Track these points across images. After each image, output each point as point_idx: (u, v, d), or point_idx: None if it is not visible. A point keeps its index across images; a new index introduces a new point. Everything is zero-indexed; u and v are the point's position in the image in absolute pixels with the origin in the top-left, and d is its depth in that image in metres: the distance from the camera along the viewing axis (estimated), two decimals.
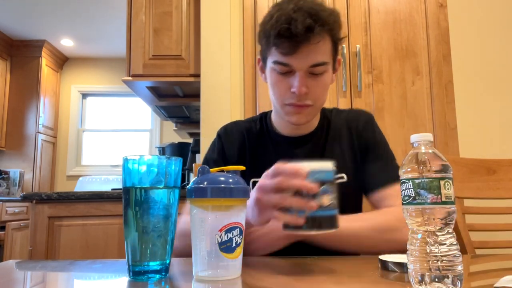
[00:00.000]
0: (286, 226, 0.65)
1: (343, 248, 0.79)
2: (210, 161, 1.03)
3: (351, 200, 0.98)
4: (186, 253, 0.82)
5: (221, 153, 1.03)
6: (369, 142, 1.00)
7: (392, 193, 0.91)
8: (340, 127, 1.03)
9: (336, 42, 0.92)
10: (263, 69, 1.00)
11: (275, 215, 0.65)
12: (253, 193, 0.68)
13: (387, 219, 0.82)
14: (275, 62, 0.89)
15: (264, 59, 0.96)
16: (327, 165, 0.66)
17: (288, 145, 1.01)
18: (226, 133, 1.06)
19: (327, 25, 0.85)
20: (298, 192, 0.62)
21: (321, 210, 0.62)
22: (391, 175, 0.93)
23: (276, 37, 0.85)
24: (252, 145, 1.03)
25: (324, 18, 0.85)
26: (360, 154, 1.00)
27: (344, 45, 1.87)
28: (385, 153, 1.00)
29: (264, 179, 0.67)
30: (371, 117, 1.05)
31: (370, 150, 0.99)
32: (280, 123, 1.02)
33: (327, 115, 1.06)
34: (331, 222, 0.64)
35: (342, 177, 0.95)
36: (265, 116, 1.08)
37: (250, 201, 0.71)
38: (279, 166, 0.65)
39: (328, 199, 0.63)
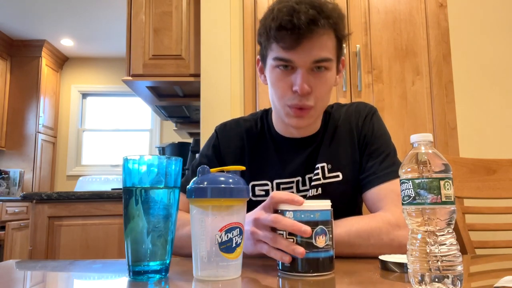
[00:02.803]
0: (283, 267, 0.62)
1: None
2: (204, 157, 1.01)
3: (349, 199, 0.96)
4: (181, 247, 0.81)
5: (217, 150, 1.00)
6: (367, 137, 0.96)
7: (383, 194, 0.87)
8: (341, 124, 0.98)
9: (340, 39, 0.87)
10: (262, 70, 0.95)
11: (266, 251, 0.64)
12: (248, 224, 0.67)
13: (370, 225, 0.78)
14: (276, 58, 0.85)
15: (263, 58, 0.92)
16: (325, 204, 0.62)
17: (289, 147, 0.97)
18: (225, 132, 1.03)
19: (331, 18, 0.82)
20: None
21: (317, 252, 0.59)
22: (385, 173, 0.89)
23: (277, 29, 0.81)
24: (252, 147, 0.99)
25: (328, 11, 0.82)
26: (359, 151, 0.96)
27: (344, 45, 1.87)
28: (381, 147, 0.95)
29: (261, 212, 0.65)
30: (372, 111, 1.00)
31: (367, 145, 0.95)
32: (281, 124, 0.98)
33: (329, 114, 1.01)
34: (328, 265, 0.61)
35: (337, 176, 0.94)
36: (266, 114, 1.04)
37: (246, 230, 0.69)
38: (275, 195, 0.64)
39: (323, 240, 0.60)
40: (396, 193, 0.81)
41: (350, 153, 0.96)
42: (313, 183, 0.93)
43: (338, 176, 0.94)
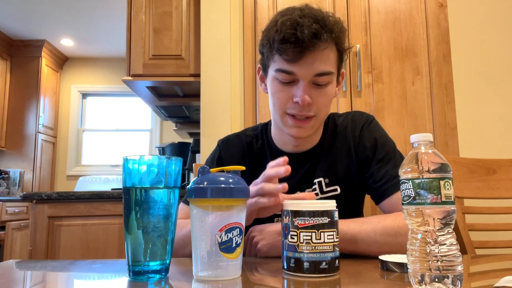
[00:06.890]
0: (288, 268, 0.61)
1: (350, 252, 0.76)
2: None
3: (349, 211, 0.93)
4: (183, 247, 0.84)
5: (220, 163, 1.02)
6: (369, 147, 0.95)
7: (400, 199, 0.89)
8: (338, 135, 0.99)
9: (341, 53, 0.89)
10: (263, 79, 0.96)
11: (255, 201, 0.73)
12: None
13: (397, 223, 0.77)
14: (278, 70, 0.86)
15: (265, 69, 0.93)
16: (330, 205, 0.62)
17: (289, 163, 0.95)
18: (227, 146, 1.04)
19: (334, 33, 0.83)
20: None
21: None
22: (398, 180, 0.90)
23: (281, 42, 0.82)
24: (252, 163, 1.00)
25: (330, 25, 0.83)
26: (359, 163, 0.95)
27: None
28: (389, 154, 0.94)
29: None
30: (368, 120, 0.99)
31: (373, 155, 0.94)
32: (281, 139, 0.99)
33: (325, 126, 1.00)
34: (333, 266, 0.60)
35: (335, 190, 0.95)
36: (265, 129, 1.05)
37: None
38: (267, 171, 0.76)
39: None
40: None
41: (347, 165, 0.96)
42: None
43: (336, 190, 0.95)
